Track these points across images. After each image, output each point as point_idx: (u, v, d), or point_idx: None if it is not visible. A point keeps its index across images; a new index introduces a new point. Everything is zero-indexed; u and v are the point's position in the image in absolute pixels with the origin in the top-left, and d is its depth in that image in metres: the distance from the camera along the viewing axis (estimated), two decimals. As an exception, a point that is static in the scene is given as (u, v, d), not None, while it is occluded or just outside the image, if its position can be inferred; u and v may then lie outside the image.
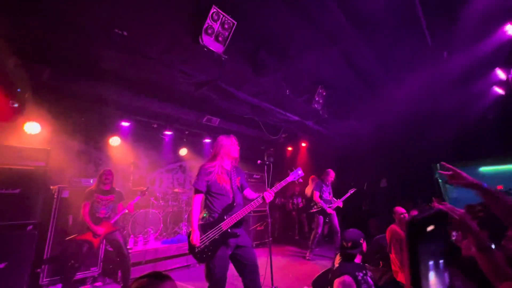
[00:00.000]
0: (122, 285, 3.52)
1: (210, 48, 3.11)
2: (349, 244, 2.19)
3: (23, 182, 3.40)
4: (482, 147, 5.73)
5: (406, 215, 3.30)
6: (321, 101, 5.07)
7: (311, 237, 5.13)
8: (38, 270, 3.43)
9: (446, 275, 0.55)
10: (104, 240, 3.62)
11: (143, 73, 3.78)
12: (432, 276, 0.51)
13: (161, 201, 5.62)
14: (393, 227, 3.24)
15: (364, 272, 2.11)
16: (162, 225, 5.25)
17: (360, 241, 2.24)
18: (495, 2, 2.96)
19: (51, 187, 3.85)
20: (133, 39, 2.81)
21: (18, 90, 3.44)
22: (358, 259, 2.23)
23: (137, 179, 5.76)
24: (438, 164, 6.91)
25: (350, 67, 4.30)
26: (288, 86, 4.57)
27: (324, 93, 5.09)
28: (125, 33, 2.63)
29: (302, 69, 4.39)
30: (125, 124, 5.18)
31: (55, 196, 3.75)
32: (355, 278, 2.00)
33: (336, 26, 3.33)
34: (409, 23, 3.27)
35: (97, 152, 5.43)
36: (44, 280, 3.44)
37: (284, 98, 4.69)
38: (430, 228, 0.50)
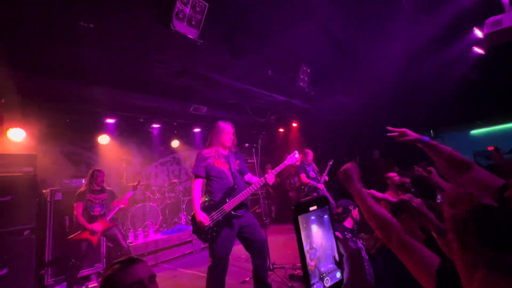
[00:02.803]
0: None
1: (184, 33, 3.02)
2: (339, 210, 2.42)
3: (12, 189, 3.39)
4: (470, 109, 5.78)
5: (397, 177, 3.37)
6: (306, 78, 5.02)
7: None
8: (42, 271, 3.51)
9: (331, 229, 0.66)
10: (104, 237, 3.69)
11: (120, 67, 3.69)
12: (315, 228, 0.61)
13: (157, 194, 5.67)
14: (386, 194, 3.33)
15: (353, 234, 2.25)
16: (161, 217, 5.33)
17: (350, 208, 2.43)
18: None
19: (43, 191, 3.86)
20: (101, 31, 2.71)
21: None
22: (348, 224, 2.41)
23: (131, 175, 5.77)
24: (432, 131, 6.99)
25: (330, 41, 4.23)
26: (270, 67, 4.51)
27: (308, 70, 5.03)
28: (91, 25, 2.54)
29: (282, 48, 4.31)
30: (110, 121, 5.11)
31: (49, 200, 3.77)
32: (343, 235, 2.15)
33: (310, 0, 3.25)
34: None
35: (87, 152, 5.39)
36: (49, 280, 3.52)
37: (267, 79, 4.64)
38: (312, 208, 0.62)
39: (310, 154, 5.27)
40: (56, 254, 3.62)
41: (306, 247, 0.55)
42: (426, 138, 1.28)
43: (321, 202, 0.65)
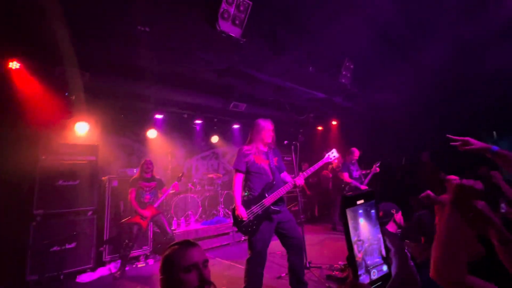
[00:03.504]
0: (170, 261, 3.92)
1: (228, 32, 3.13)
2: (381, 214, 2.27)
3: (79, 174, 3.90)
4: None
5: (458, 181, 3.07)
6: (348, 74, 4.82)
7: None
8: (101, 248, 3.97)
9: (378, 223, 0.65)
10: (151, 222, 4.04)
11: (169, 66, 3.97)
12: (362, 221, 0.61)
13: (198, 186, 5.99)
14: (445, 196, 3.08)
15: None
16: (201, 208, 5.63)
17: (392, 211, 2.30)
18: None
19: (102, 178, 4.35)
20: (155, 33, 2.95)
21: (66, 94, 3.87)
22: (391, 228, 2.28)
23: (174, 167, 6.18)
24: (495, 132, 6.18)
25: (377, 34, 3.99)
26: (311, 63, 4.42)
27: (351, 66, 4.83)
28: (147, 29, 2.78)
29: (325, 44, 4.20)
30: (158, 116, 5.53)
31: (107, 186, 4.24)
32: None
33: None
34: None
35: (138, 144, 5.92)
36: (107, 257, 3.98)
37: (308, 75, 4.57)
38: (359, 201, 0.62)
39: (356, 153, 5.06)
40: (112, 234, 4.07)
41: (353, 239, 0.56)
42: (496, 148, 1.14)
43: (368, 196, 0.65)
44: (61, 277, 3.43)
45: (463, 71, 4.59)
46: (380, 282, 0.59)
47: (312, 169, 2.59)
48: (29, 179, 3.59)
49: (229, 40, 3.24)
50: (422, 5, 3.37)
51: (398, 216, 2.34)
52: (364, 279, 0.58)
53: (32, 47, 3.20)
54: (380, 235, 0.64)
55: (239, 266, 3.75)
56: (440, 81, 4.76)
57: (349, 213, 0.58)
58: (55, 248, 3.47)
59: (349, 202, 0.61)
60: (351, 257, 0.55)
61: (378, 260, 0.61)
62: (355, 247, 0.56)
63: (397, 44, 4.17)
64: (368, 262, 0.58)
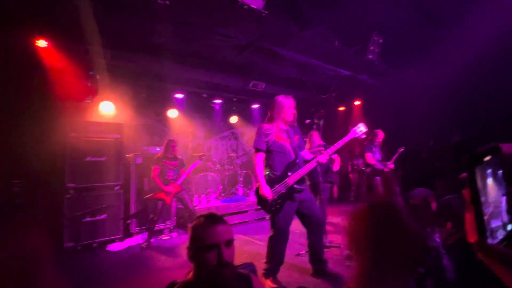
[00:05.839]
0: (192, 235, 4.10)
1: (249, 4, 2.98)
2: (416, 202, 2.13)
3: (106, 151, 4.07)
4: None
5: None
6: (376, 50, 4.50)
7: None
8: (128, 221, 4.21)
9: (504, 184, 0.57)
10: (175, 199, 4.19)
11: (188, 43, 3.90)
12: (490, 182, 0.53)
13: (218, 166, 6.09)
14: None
15: (430, 228, 2.01)
16: (221, 186, 5.75)
17: (428, 200, 2.13)
18: None
19: (127, 155, 4.52)
20: (174, 7, 2.87)
21: (90, 73, 3.95)
22: None
23: (195, 147, 6.29)
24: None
25: (412, 6, 3.63)
26: (336, 37, 4.16)
27: (380, 41, 4.49)
28: (167, 2, 2.70)
29: (351, 16, 3.91)
30: (179, 96, 5.56)
31: (131, 163, 4.40)
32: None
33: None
34: None
35: (159, 124, 6.04)
36: (134, 229, 4.22)
37: (333, 51, 4.33)
38: (487, 158, 0.55)
39: (381, 134, 4.82)
40: (138, 209, 4.29)
41: (482, 199, 0.51)
42: None
43: (495, 151, 0.58)
44: (94, 245, 3.70)
45: (503, 51, 4.11)
46: (505, 242, 0.55)
47: (337, 145, 2.46)
48: (60, 155, 3.80)
49: (251, 13, 3.09)
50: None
51: (435, 205, 2.18)
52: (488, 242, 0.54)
53: (58, 26, 3.25)
54: (504, 197, 0.59)
55: (258, 242, 3.85)
56: (480, 62, 4.30)
57: (478, 172, 0.53)
58: (87, 219, 3.72)
59: (477, 159, 0.54)
60: (479, 220, 0.51)
61: (502, 222, 0.57)
62: (483, 209, 0.53)
63: (432, 16, 3.79)
64: (493, 226, 0.54)
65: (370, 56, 4.47)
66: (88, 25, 3.07)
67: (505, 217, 0.57)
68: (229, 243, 1.03)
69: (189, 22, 3.21)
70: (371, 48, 4.44)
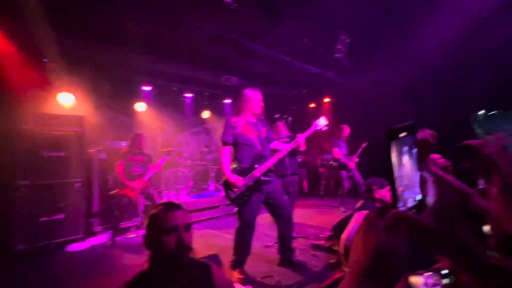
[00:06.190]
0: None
1: (219, -4, 2.94)
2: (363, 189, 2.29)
3: (65, 145, 3.78)
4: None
5: (442, 160, 3.12)
6: (343, 49, 4.70)
7: (339, 192, 5.23)
8: (91, 220, 3.98)
9: (414, 161, 0.65)
10: (142, 195, 4.03)
11: (158, 32, 3.75)
12: (405, 159, 0.60)
13: (189, 161, 5.97)
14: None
15: None
16: (192, 182, 5.65)
17: (373, 187, 2.30)
18: None
19: (90, 150, 4.25)
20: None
21: (44, 60, 3.63)
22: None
23: (165, 142, 6.09)
24: (481, 113, 6.22)
25: (376, 7, 3.84)
26: (306, 35, 4.26)
27: (347, 40, 4.69)
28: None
29: (321, 15, 4.02)
30: (146, 88, 5.35)
31: (94, 158, 4.15)
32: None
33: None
34: None
35: (125, 117, 5.74)
36: (97, 228, 4.00)
37: (302, 49, 4.43)
38: (402, 134, 0.61)
39: (347, 130, 5.10)
40: (102, 206, 4.06)
41: (396, 174, 0.57)
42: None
43: (411, 129, 0.64)
44: (51, 246, 3.44)
45: (467, 46, 4.50)
46: (414, 210, 0.61)
47: (308, 132, 2.56)
48: (10, 149, 3.46)
49: (220, 4, 3.05)
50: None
51: (382, 192, 2.33)
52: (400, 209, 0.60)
53: (9, 8, 2.93)
54: (417, 173, 0.65)
55: (227, 235, 3.85)
56: (439, 57, 4.68)
57: (393, 147, 0.59)
58: (43, 218, 3.45)
59: (393, 135, 0.59)
60: (392, 192, 0.56)
61: (414, 194, 0.65)
62: (396, 182, 0.58)
63: (396, 17, 4.04)
64: (405, 196, 0.61)
65: (337, 55, 4.66)
66: (40, 8, 2.80)
67: (417, 190, 0.64)
68: (188, 227, 1.05)
69: (157, 10, 3.08)
70: (339, 47, 4.63)
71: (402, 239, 0.43)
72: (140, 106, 5.57)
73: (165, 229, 1.00)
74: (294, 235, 3.42)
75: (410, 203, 0.61)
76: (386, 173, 0.55)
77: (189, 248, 1.01)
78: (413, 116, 6.22)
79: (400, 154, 0.59)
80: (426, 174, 0.66)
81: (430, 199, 0.62)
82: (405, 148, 0.61)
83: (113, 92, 5.23)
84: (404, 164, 0.60)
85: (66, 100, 4.56)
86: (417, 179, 0.64)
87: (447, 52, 4.66)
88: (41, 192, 3.53)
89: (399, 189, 0.57)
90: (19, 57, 3.42)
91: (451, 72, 5.18)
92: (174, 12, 3.21)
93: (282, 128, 3.72)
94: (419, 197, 0.64)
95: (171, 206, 1.07)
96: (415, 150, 0.65)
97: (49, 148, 3.65)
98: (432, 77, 5.39)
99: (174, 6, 3.13)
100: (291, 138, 2.66)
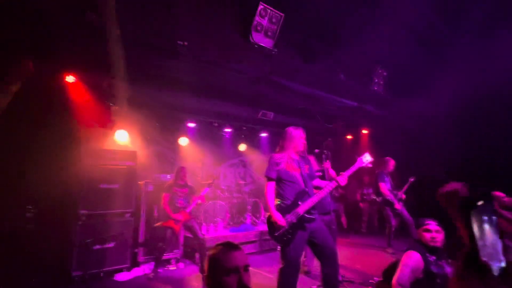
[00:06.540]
0: (200, 265, 4.00)
1: (261, 44, 3.24)
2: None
3: (119, 178, 4.17)
4: None
5: (507, 198, 2.80)
6: (381, 82, 4.70)
7: (386, 231, 4.84)
8: (136, 250, 4.17)
9: (495, 229, 0.62)
10: (183, 227, 4.17)
11: (203, 77, 4.16)
12: (486, 227, 0.59)
13: (226, 193, 6.09)
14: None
15: (439, 256, 1.98)
16: (229, 215, 5.70)
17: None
18: None
19: (139, 182, 4.61)
20: (192, 47, 3.14)
21: (111, 104, 4.22)
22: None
23: (204, 174, 6.36)
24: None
25: (413, 39, 3.86)
26: (342, 70, 4.38)
27: (384, 73, 4.70)
28: (185, 43, 2.97)
29: (356, 51, 4.15)
30: (191, 125, 5.78)
31: (143, 190, 4.48)
32: (424, 257, 1.92)
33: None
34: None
35: (171, 152, 6.19)
36: (141, 258, 4.16)
37: (338, 83, 4.52)
38: (480, 202, 0.61)
39: (392, 163, 4.82)
40: (147, 237, 4.26)
41: (480, 244, 0.57)
42: None
43: (488, 196, 0.64)
44: (101, 274, 3.65)
45: (509, 75, 4.22)
46: (500, 278, 0.60)
47: (349, 171, 2.52)
48: (76, 182, 3.92)
49: (262, 51, 3.34)
50: (461, 5, 3.22)
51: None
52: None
53: (87, 61, 3.55)
54: (498, 238, 0.64)
55: (266, 274, 3.72)
56: (482, 86, 4.42)
57: (474, 216, 0.60)
58: (97, 247, 3.72)
59: (471, 204, 0.62)
60: (476, 254, 0.56)
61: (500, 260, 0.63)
62: (480, 253, 0.58)
63: (435, 49, 4.00)
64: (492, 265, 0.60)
65: (375, 88, 4.66)
66: (115, 62, 3.36)
67: (501, 258, 0.62)
68: (247, 268, 1.08)
69: (205, 60, 3.47)
70: (376, 80, 4.65)
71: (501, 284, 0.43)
72: (184, 141, 5.99)
73: (226, 270, 1.03)
74: (340, 278, 3.19)
75: (496, 272, 0.59)
76: (470, 243, 0.55)
77: None
78: (453, 149, 5.73)
79: (480, 223, 0.59)
80: (509, 242, 0.63)
81: None
82: (485, 218, 0.60)
83: (162, 128, 5.75)
84: (486, 233, 0.59)
85: (121, 137, 5.11)
86: (500, 246, 0.62)
87: (494, 78, 4.38)
88: (97, 221, 3.86)
89: (483, 259, 0.56)
90: (91, 102, 4.02)
91: (500, 100, 4.78)
92: (219, 61, 3.57)
93: (313, 162, 3.69)
94: (503, 264, 0.61)
95: (231, 247, 1.11)
96: (495, 218, 0.64)
97: (106, 181, 4.05)
98: (478, 106, 5.02)
99: (219, 55, 3.50)
100: (323, 173, 2.63)
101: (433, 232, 1.98)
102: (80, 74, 3.70)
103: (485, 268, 0.53)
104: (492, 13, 3.27)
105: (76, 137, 4.20)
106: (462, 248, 0.61)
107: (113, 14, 2.65)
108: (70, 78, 3.61)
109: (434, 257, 1.94)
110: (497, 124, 4.83)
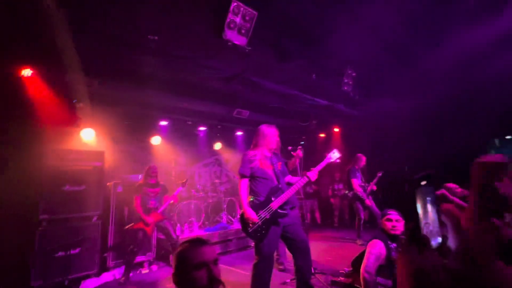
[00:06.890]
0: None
1: (234, 41, 3.23)
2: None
3: (85, 180, 3.93)
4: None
5: (459, 189, 3.07)
6: (350, 82, 4.92)
7: (356, 224, 5.08)
8: (105, 254, 3.96)
9: (436, 209, 0.70)
10: (156, 228, 4.04)
11: (176, 74, 4.06)
12: (429, 208, 0.66)
13: (201, 193, 6.00)
14: (446, 205, 3.07)
15: (399, 244, 2.14)
16: (204, 214, 5.62)
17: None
18: None
19: (107, 183, 4.38)
20: (163, 42, 3.05)
21: (74, 101, 3.95)
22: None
23: (178, 174, 6.21)
24: (496, 140, 6.16)
25: (380, 43, 4.10)
26: (314, 70, 4.52)
27: (353, 74, 4.92)
28: (156, 38, 2.87)
29: (328, 51, 4.30)
30: (163, 123, 5.60)
31: (112, 191, 4.26)
32: (386, 244, 2.07)
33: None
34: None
35: (142, 151, 5.96)
36: (111, 263, 3.97)
37: (311, 83, 4.66)
38: (423, 183, 0.67)
39: (363, 159, 5.08)
40: (116, 240, 4.07)
41: (423, 222, 0.62)
42: None
43: (431, 179, 0.69)
44: (66, 282, 3.42)
45: (467, 78, 4.66)
46: (437, 252, 0.65)
47: (319, 167, 2.60)
48: (35, 184, 3.62)
49: (235, 48, 3.34)
50: (425, 11, 3.48)
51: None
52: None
53: (44, 55, 3.29)
54: (437, 216, 0.69)
55: (242, 271, 3.74)
56: (443, 88, 4.83)
57: (419, 197, 0.65)
58: (60, 254, 3.47)
59: (416, 183, 0.67)
60: (417, 231, 0.61)
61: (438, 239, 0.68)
62: (423, 230, 0.63)
63: (400, 52, 4.27)
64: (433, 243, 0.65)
65: (345, 88, 4.87)
66: (74, 55, 3.14)
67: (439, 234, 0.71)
68: (216, 261, 1.09)
69: (176, 55, 3.39)
70: (346, 80, 4.86)
71: (438, 256, 0.48)
72: (156, 140, 5.79)
73: (195, 265, 1.03)
74: (312, 271, 3.30)
75: (434, 246, 0.65)
76: (413, 219, 0.61)
77: (220, 282, 1.03)
78: (418, 145, 6.21)
79: (424, 203, 0.65)
80: (444, 218, 0.71)
81: (451, 242, 0.67)
82: (429, 198, 0.67)
83: (131, 127, 5.50)
84: (428, 211, 0.66)
85: (87, 136, 4.81)
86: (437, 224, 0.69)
87: (455, 81, 4.80)
88: (60, 226, 3.60)
89: (424, 235, 0.62)
90: (51, 98, 3.73)
91: (460, 100, 5.26)
92: (191, 57, 3.50)
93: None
94: (439, 239, 0.68)
95: (199, 242, 1.12)
96: (434, 198, 0.71)
97: (71, 183, 3.80)
98: (440, 106, 5.48)
99: (190, 51, 3.43)
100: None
101: (394, 221, 2.14)
102: (37, 67, 3.41)
103: (425, 243, 0.60)
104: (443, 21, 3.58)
105: (36, 137, 3.88)
106: (408, 226, 0.68)
107: None
108: (26, 72, 3.32)
109: (395, 244, 2.09)
110: (458, 122, 5.29)
